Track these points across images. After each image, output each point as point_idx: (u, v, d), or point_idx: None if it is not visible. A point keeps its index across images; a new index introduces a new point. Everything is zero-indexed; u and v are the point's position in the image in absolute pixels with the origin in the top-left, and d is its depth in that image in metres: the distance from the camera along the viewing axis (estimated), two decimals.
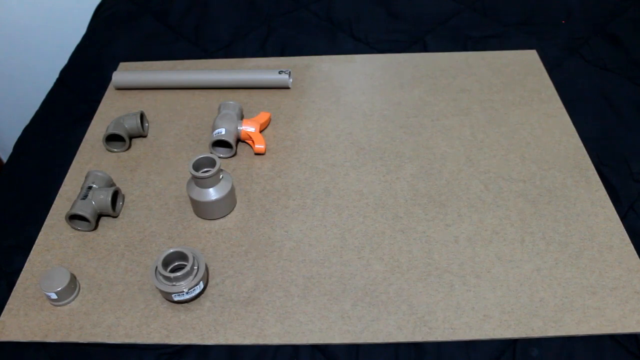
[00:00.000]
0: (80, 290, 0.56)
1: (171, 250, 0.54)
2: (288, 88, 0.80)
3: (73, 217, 0.61)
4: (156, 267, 0.53)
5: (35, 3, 1.22)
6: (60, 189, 0.67)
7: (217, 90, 0.80)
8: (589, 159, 0.68)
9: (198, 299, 0.55)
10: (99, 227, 0.62)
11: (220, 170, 0.60)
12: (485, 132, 0.72)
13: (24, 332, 0.53)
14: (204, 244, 0.60)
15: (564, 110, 0.74)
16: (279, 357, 0.51)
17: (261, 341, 0.52)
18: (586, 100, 0.77)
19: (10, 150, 0.75)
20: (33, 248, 0.61)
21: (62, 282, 0.54)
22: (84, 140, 0.74)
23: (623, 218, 0.61)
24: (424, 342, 0.51)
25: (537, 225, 0.61)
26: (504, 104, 0.76)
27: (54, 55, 1.06)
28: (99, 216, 0.63)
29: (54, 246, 0.61)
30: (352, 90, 0.80)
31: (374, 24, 0.93)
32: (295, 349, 0.52)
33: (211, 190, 0.60)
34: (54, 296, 0.54)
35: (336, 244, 0.60)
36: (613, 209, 0.62)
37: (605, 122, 0.73)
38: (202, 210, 0.62)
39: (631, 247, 0.58)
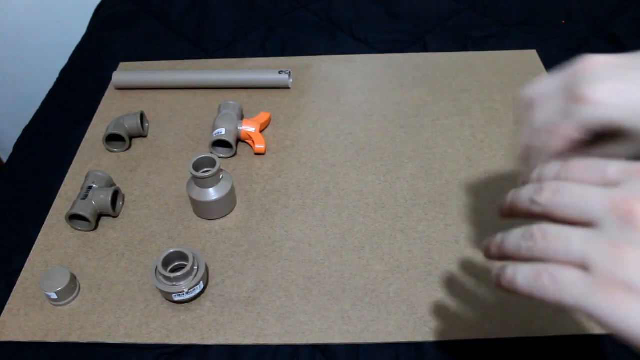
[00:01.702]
0: (80, 290, 0.56)
1: (171, 250, 0.54)
2: (288, 88, 0.80)
3: (73, 217, 0.61)
4: (156, 267, 0.54)
5: (35, 3, 1.22)
6: (60, 189, 0.67)
7: (217, 90, 0.80)
8: None
9: (198, 299, 0.55)
10: (99, 227, 0.62)
11: (220, 170, 0.60)
12: (485, 132, 0.72)
13: (24, 332, 0.53)
14: (204, 244, 0.60)
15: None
16: (279, 357, 0.51)
17: (261, 341, 0.52)
18: None
19: (10, 150, 0.75)
20: (33, 248, 0.61)
21: (62, 282, 0.54)
22: (84, 140, 0.74)
23: None
24: (424, 342, 0.51)
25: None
26: (504, 104, 0.76)
27: (54, 55, 1.06)
28: (99, 216, 0.63)
29: (54, 246, 0.61)
30: (352, 90, 0.80)
31: (374, 24, 0.93)
32: (295, 349, 0.52)
33: (211, 190, 0.60)
34: (54, 296, 0.54)
35: (336, 244, 0.60)
36: None
37: None
38: (202, 210, 0.62)
39: None
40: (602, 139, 0.37)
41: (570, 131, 0.36)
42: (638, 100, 0.34)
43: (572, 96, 0.36)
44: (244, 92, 0.80)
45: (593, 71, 0.36)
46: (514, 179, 0.65)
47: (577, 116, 0.35)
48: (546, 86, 0.39)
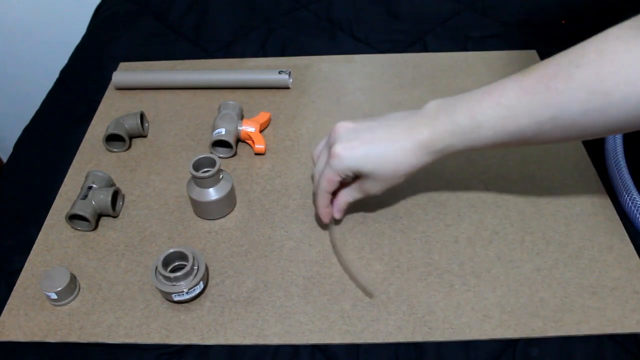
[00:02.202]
0: (80, 290, 0.56)
1: (171, 250, 0.54)
2: (288, 88, 0.80)
3: (73, 217, 0.61)
4: (156, 267, 0.53)
5: (35, 3, 1.22)
6: (60, 189, 0.67)
7: (217, 90, 0.80)
8: (589, 159, 0.68)
9: (198, 299, 0.55)
10: (99, 227, 0.62)
11: (220, 170, 0.60)
12: None
13: (24, 332, 0.53)
14: (204, 244, 0.60)
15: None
16: (279, 357, 0.51)
17: (261, 341, 0.52)
18: None
19: (10, 150, 0.75)
20: (33, 248, 0.61)
21: (62, 282, 0.54)
22: (84, 140, 0.74)
23: (623, 218, 0.61)
24: (424, 342, 0.51)
25: (537, 225, 0.60)
26: None
27: (54, 55, 1.06)
28: (99, 216, 0.63)
29: (54, 246, 0.61)
30: (352, 90, 0.80)
31: (374, 24, 0.93)
32: (295, 349, 0.52)
33: (211, 190, 0.60)
34: (54, 296, 0.54)
35: (336, 243, 0.60)
36: (613, 209, 0.62)
37: None
38: (202, 210, 0.62)
39: (631, 247, 0.58)
40: (358, 177, 0.53)
41: (330, 177, 0.52)
42: (362, 152, 0.50)
43: (329, 153, 0.52)
44: (244, 92, 0.80)
45: (338, 134, 0.52)
46: (514, 179, 0.65)
47: (331, 167, 0.52)
48: (320, 146, 0.56)
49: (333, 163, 0.51)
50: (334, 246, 0.57)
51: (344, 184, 0.55)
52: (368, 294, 0.53)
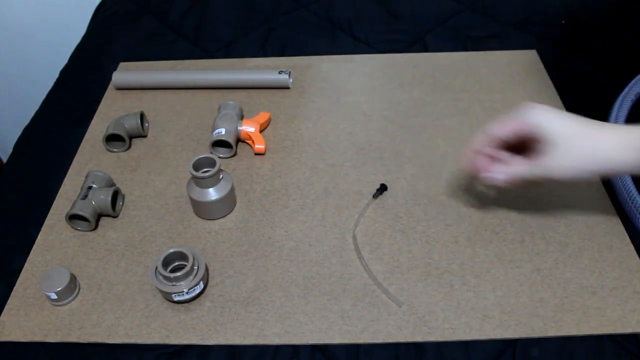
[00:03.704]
0: (80, 290, 0.56)
1: (171, 250, 0.54)
2: (288, 88, 0.80)
3: (73, 217, 0.61)
4: (156, 267, 0.53)
5: (35, 3, 1.22)
6: (60, 189, 0.67)
7: (217, 90, 0.80)
8: None
9: (198, 299, 0.55)
10: (99, 227, 0.62)
11: (220, 170, 0.60)
12: None
13: (24, 332, 0.53)
14: (204, 244, 0.60)
15: (563, 111, 0.74)
16: (279, 357, 0.51)
17: (261, 341, 0.52)
18: (586, 100, 0.77)
19: (10, 150, 0.75)
20: (33, 248, 0.61)
21: (62, 282, 0.54)
22: (84, 140, 0.74)
23: (623, 218, 0.61)
24: (424, 342, 0.51)
25: (537, 225, 0.60)
26: (504, 104, 0.76)
27: (54, 55, 1.06)
28: (99, 216, 0.63)
29: (54, 246, 0.61)
30: (352, 90, 0.80)
31: (374, 24, 0.93)
32: (295, 349, 0.52)
33: (211, 190, 0.60)
34: (54, 296, 0.54)
35: (336, 244, 0.60)
36: (613, 209, 0.62)
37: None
38: (202, 210, 0.62)
39: (631, 247, 0.58)
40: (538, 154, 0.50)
41: (508, 120, 0.52)
42: (555, 115, 0.49)
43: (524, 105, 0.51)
44: (244, 92, 0.80)
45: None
46: None
47: (517, 113, 0.51)
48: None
49: (522, 109, 0.49)
50: (360, 259, 0.58)
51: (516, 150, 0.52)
52: (398, 303, 0.54)
